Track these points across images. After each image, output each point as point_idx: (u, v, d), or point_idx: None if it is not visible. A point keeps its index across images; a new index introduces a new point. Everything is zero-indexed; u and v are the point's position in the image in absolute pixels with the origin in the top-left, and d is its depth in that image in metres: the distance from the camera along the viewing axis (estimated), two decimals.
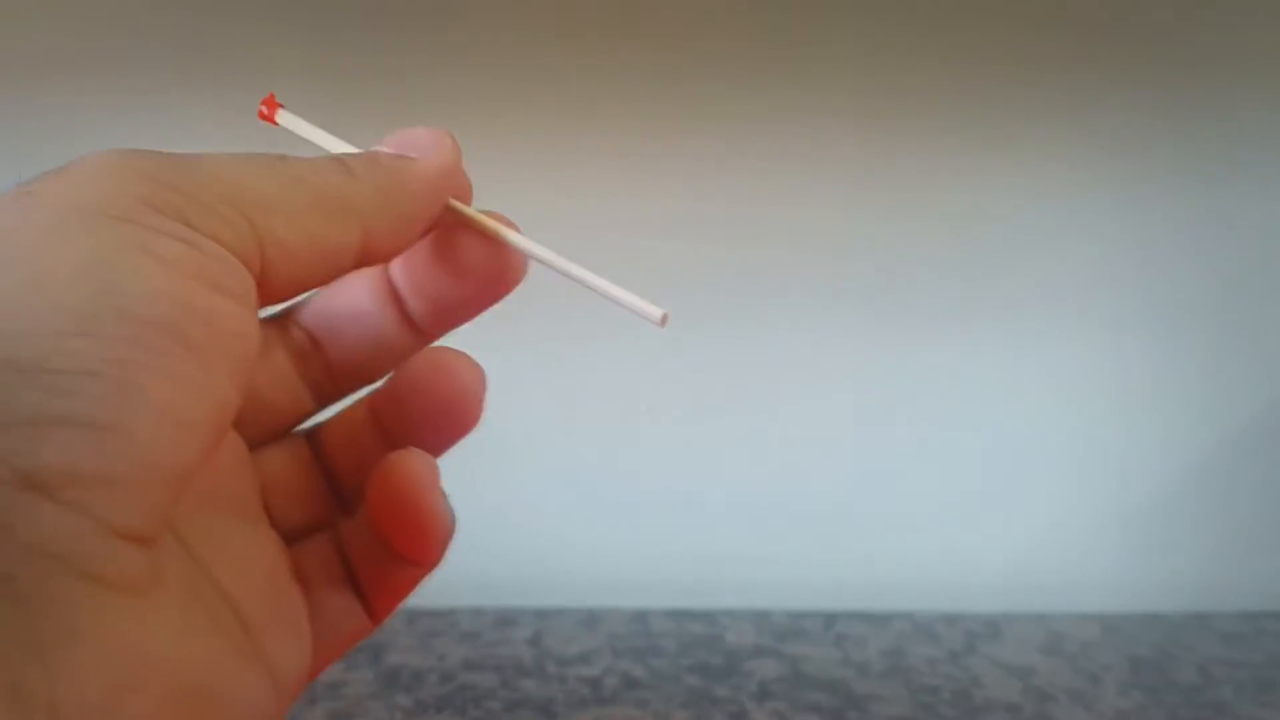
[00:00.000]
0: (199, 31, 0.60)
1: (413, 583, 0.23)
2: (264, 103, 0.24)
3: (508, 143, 0.63)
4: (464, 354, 0.24)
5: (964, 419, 0.71)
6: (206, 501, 0.19)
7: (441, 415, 0.24)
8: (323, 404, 0.25)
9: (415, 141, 0.22)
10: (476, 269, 0.24)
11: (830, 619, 0.68)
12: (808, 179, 0.67)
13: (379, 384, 0.25)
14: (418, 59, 0.62)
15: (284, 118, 0.25)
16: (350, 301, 0.24)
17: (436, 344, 0.25)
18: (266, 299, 0.18)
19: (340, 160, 0.20)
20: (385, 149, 0.22)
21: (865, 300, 0.69)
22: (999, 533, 0.74)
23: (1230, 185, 0.71)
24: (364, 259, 0.20)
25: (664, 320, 0.24)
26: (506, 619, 0.66)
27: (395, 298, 0.24)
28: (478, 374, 0.24)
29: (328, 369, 0.24)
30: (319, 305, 0.24)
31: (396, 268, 0.24)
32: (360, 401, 0.25)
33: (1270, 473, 0.75)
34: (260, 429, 0.23)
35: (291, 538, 0.23)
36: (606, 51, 0.63)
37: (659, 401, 0.69)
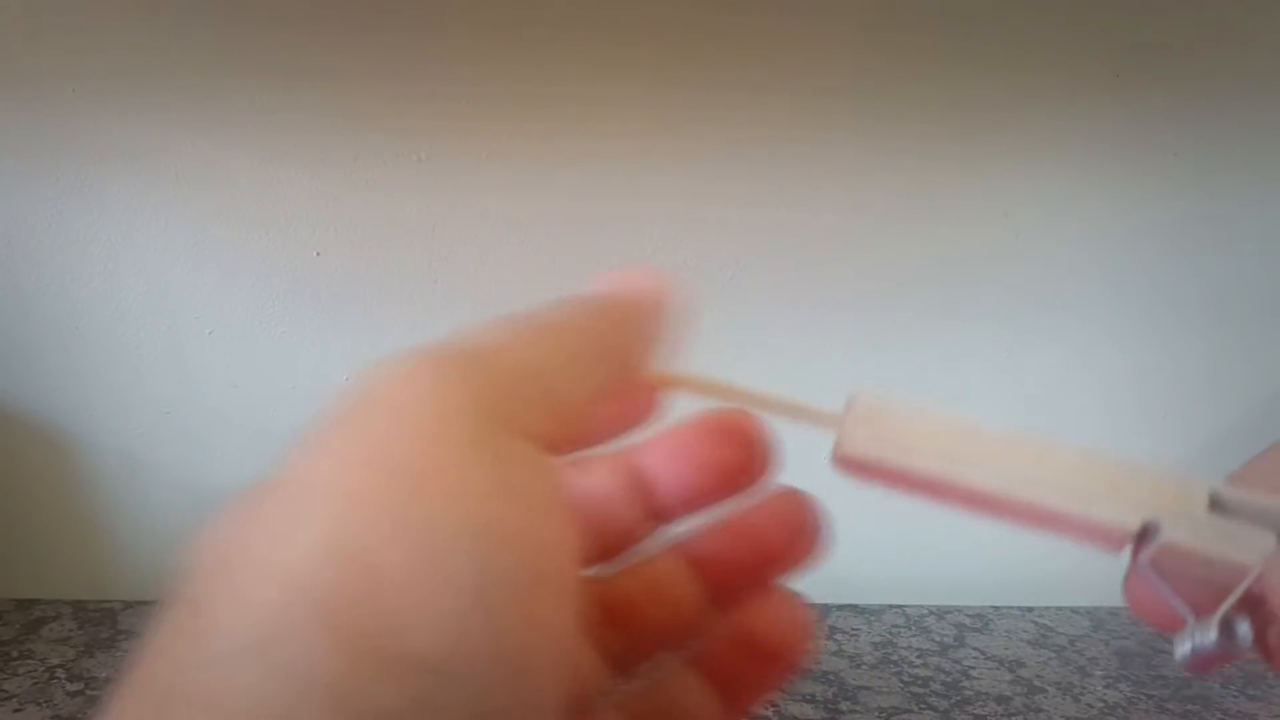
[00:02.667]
0: (200, 33, 0.61)
1: (774, 677, 0.22)
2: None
3: (507, 145, 0.64)
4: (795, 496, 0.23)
5: None
6: None
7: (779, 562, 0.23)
8: None
9: (625, 276, 0.21)
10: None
11: (823, 611, 0.69)
12: (805, 181, 0.67)
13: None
14: (418, 61, 0.63)
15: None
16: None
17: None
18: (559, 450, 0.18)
19: (569, 302, 0.19)
20: (595, 287, 0.21)
21: (860, 301, 0.70)
22: (989, 527, 0.74)
23: (1226, 190, 0.72)
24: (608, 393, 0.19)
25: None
26: None
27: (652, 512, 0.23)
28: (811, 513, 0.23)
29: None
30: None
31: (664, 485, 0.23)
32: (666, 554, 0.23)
33: None
34: None
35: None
36: (606, 56, 0.64)
37: None
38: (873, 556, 0.73)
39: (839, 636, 0.66)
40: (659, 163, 0.66)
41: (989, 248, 0.70)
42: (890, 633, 0.67)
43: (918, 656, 0.64)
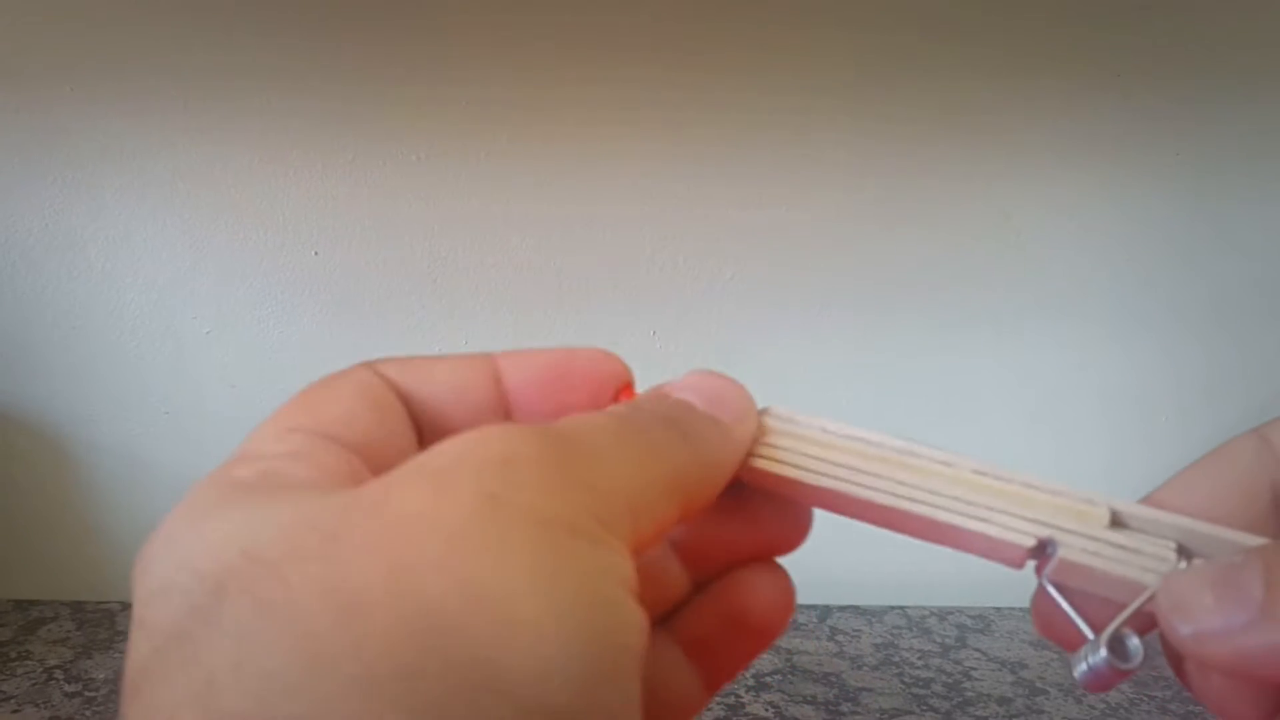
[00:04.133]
0: (199, 34, 0.61)
1: (756, 651, 0.22)
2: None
3: (506, 145, 0.64)
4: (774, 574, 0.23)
5: (956, 417, 0.72)
6: None
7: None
8: None
9: (722, 397, 0.20)
10: (771, 522, 0.22)
11: (824, 613, 0.69)
12: (805, 183, 0.67)
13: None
14: (418, 62, 0.62)
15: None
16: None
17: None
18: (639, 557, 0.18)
19: (675, 424, 0.19)
20: (693, 397, 0.20)
21: (860, 301, 0.70)
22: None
23: (1226, 191, 0.72)
24: (671, 531, 0.19)
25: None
26: None
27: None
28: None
29: None
30: None
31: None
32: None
33: None
34: None
35: None
36: (606, 58, 0.64)
37: None
38: (874, 558, 0.73)
39: (840, 637, 0.66)
40: (659, 164, 0.65)
41: (989, 249, 0.70)
42: (892, 634, 0.67)
43: (919, 657, 0.64)
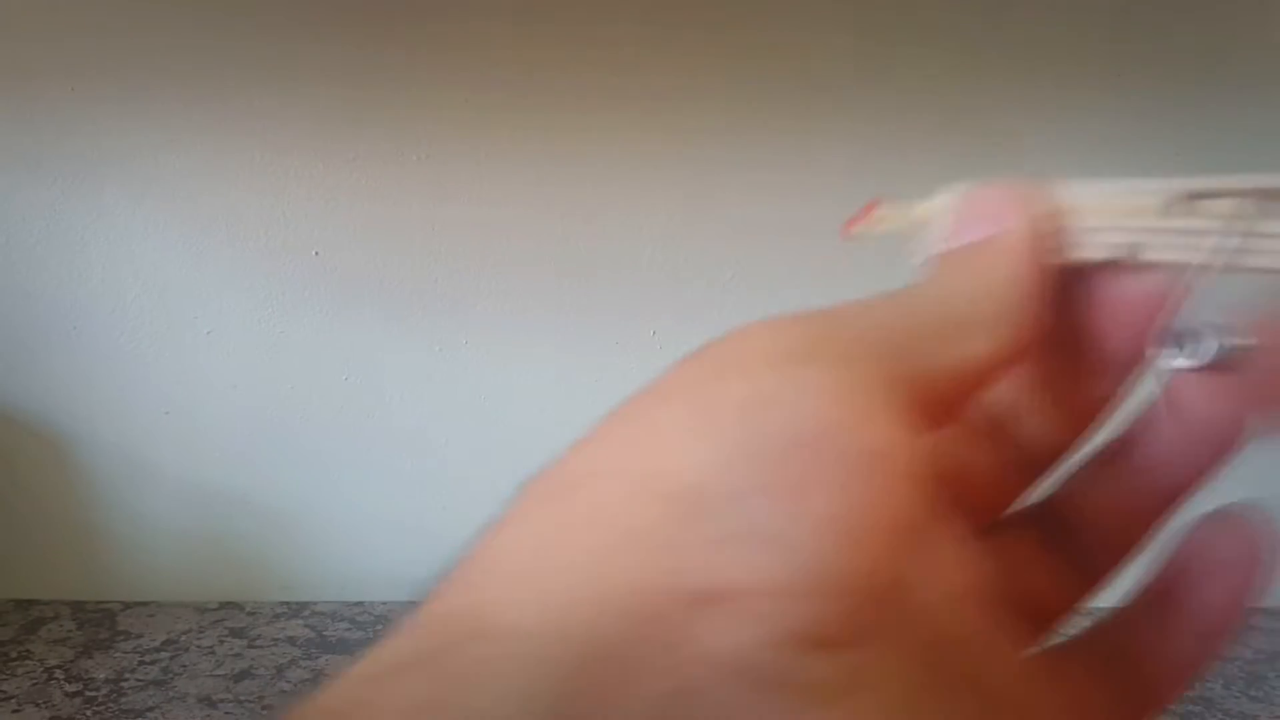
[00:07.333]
0: (199, 34, 0.61)
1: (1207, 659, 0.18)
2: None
3: (507, 145, 0.64)
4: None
5: None
6: (947, 601, 0.17)
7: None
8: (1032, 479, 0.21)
9: (982, 209, 0.20)
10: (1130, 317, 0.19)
11: None
12: (805, 182, 0.67)
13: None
14: (418, 61, 0.63)
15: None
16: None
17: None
18: (941, 417, 0.18)
19: (935, 283, 0.19)
20: (953, 232, 0.20)
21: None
22: None
23: None
24: (1003, 363, 0.18)
25: None
26: None
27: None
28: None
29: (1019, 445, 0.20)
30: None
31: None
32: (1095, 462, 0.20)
33: (1257, 469, 0.75)
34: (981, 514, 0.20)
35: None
36: (606, 59, 0.64)
37: None
38: None
39: None
40: (659, 163, 0.65)
41: None
42: None
43: None
